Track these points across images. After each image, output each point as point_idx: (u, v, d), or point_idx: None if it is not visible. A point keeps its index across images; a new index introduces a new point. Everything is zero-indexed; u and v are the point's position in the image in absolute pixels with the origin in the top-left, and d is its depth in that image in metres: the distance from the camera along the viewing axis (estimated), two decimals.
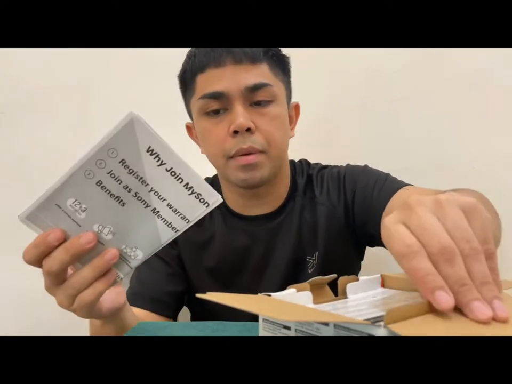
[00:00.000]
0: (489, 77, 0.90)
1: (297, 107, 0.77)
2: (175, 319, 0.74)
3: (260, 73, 0.65)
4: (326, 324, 0.30)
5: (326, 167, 0.79)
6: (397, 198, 0.64)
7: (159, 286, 0.71)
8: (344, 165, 0.78)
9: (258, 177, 0.66)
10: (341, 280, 0.41)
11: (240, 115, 0.63)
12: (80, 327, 1.49)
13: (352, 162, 0.79)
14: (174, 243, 0.73)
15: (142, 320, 0.62)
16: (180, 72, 0.73)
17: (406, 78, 1.00)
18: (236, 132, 0.64)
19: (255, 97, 0.65)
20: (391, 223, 0.30)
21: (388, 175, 0.72)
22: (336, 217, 0.72)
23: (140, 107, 1.59)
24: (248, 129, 0.63)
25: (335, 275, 0.41)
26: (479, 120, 0.92)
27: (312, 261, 0.72)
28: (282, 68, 0.71)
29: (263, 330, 0.36)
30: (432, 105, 0.98)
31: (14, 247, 1.39)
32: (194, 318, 0.84)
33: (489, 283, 0.28)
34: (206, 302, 0.35)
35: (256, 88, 0.64)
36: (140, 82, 1.57)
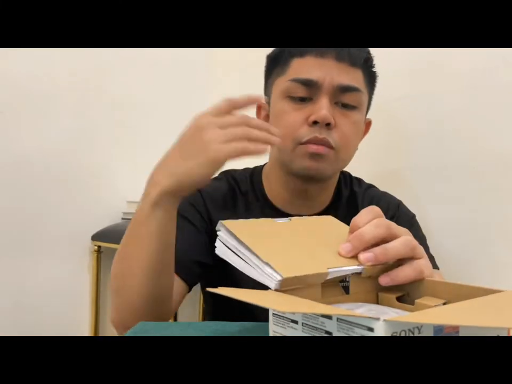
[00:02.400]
0: (489, 76, 0.90)
1: (369, 124, 0.78)
2: (190, 288, 0.69)
3: (355, 77, 0.66)
4: (330, 318, 0.31)
5: (371, 186, 0.79)
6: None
7: (190, 251, 0.68)
8: (388, 192, 0.79)
9: (321, 170, 0.66)
10: None
11: (325, 107, 0.63)
12: (80, 327, 1.49)
13: (352, 162, 0.78)
14: (209, 221, 0.71)
15: None
16: (272, 52, 0.72)
17: (406, 78, 1.00)
18: (315, 123, 0.63)
19: (342, 98, 0.65)
20: None
21: (427, 246, 0.72)
22: None
23: (140, 107, 1.59)
24: (328, 124, 0.63)
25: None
26: (479, 120, 0.92)
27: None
28: (372, 80, 0.72)
29: (273, 325, 0.37)
30: (432, 105, 0.98)
31: (14, 247, 1.40)
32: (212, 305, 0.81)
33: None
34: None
35: (348, 89, 0.65)
36: (140, 83, 1.57)
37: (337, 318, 0.31)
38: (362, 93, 0.67)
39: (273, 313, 0.37)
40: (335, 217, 0.70)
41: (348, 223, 0.71)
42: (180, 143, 0.55)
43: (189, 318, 1.44)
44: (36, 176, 1.33)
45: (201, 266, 0.69)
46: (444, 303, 0.39)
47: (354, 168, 0.80)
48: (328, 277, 0.39)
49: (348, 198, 0.75)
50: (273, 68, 0.71)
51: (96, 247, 1.43)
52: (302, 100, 0.66)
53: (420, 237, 0.72)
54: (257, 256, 0.39)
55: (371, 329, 0.28)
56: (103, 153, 1.48)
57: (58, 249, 1.38)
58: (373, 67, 0.71)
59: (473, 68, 0.92)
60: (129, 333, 0.49)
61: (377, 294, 0.43)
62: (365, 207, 0.72)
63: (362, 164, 0.81)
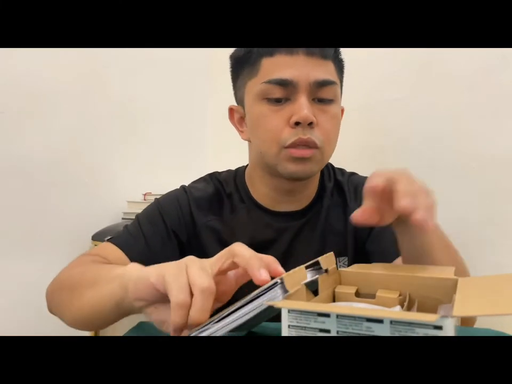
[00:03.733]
0: (489, 77, 0.90)
1: (342, 111, 0.77)
2: None
3: (328, 70, 0.65)
4: (380, 321, 0.30)
5: (354, 173, 0.79)
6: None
7: (159, 253, 0.70)
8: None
9: (307, 171, 0.66)
10: None
11: (305, 107, 0.62)
12: None
13: (352, 162, 0.79)
14: (192, 224, 0.72)
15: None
16: (237, 52, 0.70)
17: (406, 78, 1.00)
18: (297, 124, 0.63)
19: (319, 94, 0.65)
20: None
21: None
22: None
23: (140, 107, 1.59)
24: (310, 123, 0.63)
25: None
26: (479, 120, 0.92)
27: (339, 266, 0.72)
28: (341, 68, 0.71)
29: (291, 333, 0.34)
30: (432, 105, 0.98)
31: (14, 247, 1.39)
32: None
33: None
34: None
35: (324, 84, 0.64)
36: (140, 83, 1.57)
37: (391, 321, 0.29)
38: (337, 85, 0.66)
39: (289, 325, 0.33)
40: (320, 208, 0.74)
41: (332, 212, 0.74)
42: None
43: None
44: (36, 176, 1.33)
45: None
46: (399, 295, 0.41)
47: (354, 168, 0.80)
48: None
49: (332, 189, 0.76)
50: (241, 69, 0.70)
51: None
52: (279, 100, 0.64)
53: None
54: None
55: (438, 327, 0.28)
56: (103, 153, 1.48)
57: (58, 249, 1.38)
58: (341, 55, 0.70)
59: (473, 68, 0.92)
60: (129, 333, 0.49)
61: (334, 291, 0.44)
62: (351, 193, 0.75)
63: (361, 163, 0.81)
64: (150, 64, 1.56)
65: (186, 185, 0.78)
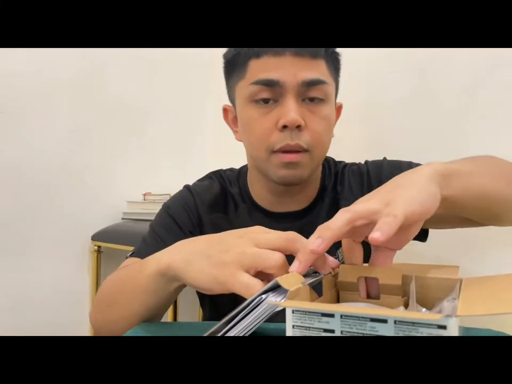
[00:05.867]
0: (489, 77, 0.90)
1: (340, 108, 0.76)
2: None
3: (318, 69, 0.64)
4: (384, 321, 0.29)
5: (346, 164, 0.78)
6: None
7: None
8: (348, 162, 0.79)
9: (298, 176, 0.65)
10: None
11: (292, 110, 0.61)
12: (80, 327, 1.48)
13: (351, 161, 0.79)
14: (198, 225, 0.73)
15: None
16: (228, 52, 0.70)
17: (406, 78, 1.00)
18: (284, 127, 0.62)
19: (309, 93, 0.63)
20: None
21: (411, 162, 0.72)
22: None
23: (140, 107, 1.59)
24: (298, 126, 0.62)
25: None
26: (479, 120, 0.92)
27: (335, 258, 0.72)
28: (336, 66, 0.70)
29: (292, 329, 0.34)
30: (432, 105, 0.98)
31: (14, 247, 1.39)
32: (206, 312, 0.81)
33: None
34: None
35: (313, 83, 0.63)
36: (140, 83, 1.57)
37: (395, 321, 0.29)
38: (328, 84, 0.65)
39: (293, 325, 0.33)
40: (321, 207, 0.73)
41: (332, 211, 0.73)
42: (215, 236, 0.48)
43: (189, 318, 1.44)
44: (36, 176, 1.33)
45: None
46: (403, 296, 0.41)
47: None
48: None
49: (332, 186, 0.75)
50: (231, 70, 0.69)
51: (96, 247, 1.43)
52: (267, 101, 0.64)
53: (404, 167, 0.70)
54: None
55: (442, 327, 0.28)
56: (103, 153, 1.48)
57: (58, 249, 1.38)
58: (335, 51, 0.69)
59: (473, 67, 0.92)
60: (129, 333, 0.49)
61: (338, 292, 0.44)
62: (342, 185, 0.74)
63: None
64: (150, 64, 1.56)
65: (191, 184, 0.78)
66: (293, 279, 0.38)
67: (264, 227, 0.46)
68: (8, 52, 1.23)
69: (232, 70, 0.69)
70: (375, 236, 0.36)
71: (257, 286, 0.40)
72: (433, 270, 0.43)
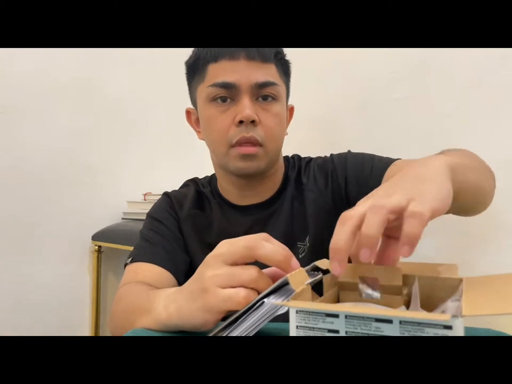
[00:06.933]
0: (489, 77, 0.90)
1: (292, 109, 0.83)
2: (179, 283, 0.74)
3: (269, 72, 0.71)
4: (389, 321, 0.29)
5: (312, 159, 0.84)
6: (389, 174, 0.70)
7: (173, 253, 0.75)
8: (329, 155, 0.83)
9: (254, 168, 0.71)
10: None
11: (247, 107, 0.68)
12: (80, 327, 1.48)
13: None
14: (175, 219, 0.79)
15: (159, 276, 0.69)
16: (189, 58, 0.76)
17: (406, 78, 1.00)
18: (241, 122, 0.68)
19: (262, 92, 0.70)
20: None
21: (374, 155, 0.78)
22: (324, 201, 0.76)
23: (140, 107, 1.59)
24: (253, 121, 0.68)
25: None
26: (479, 120, 0.92)
27: (303, 246, 0.76)
28: (286, 71, 0.77)
29: (296, 330, 0.34)
30: (432, 105, 0.98)
31: (15, 247, 1.39)
32: None
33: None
34: None
35: (264, 85, 0.70)
36: (140, 82, 1.57)
37: (400, 321, 0.29)
38: (278, 85, 0.72)
39: (297, 325, 0.33)
40: (284, 197, 0.79)
41: (296, 201, 0.78)
42: (193, 276, 0.47)
43: None
44: (36, 176, 1.33)
45: (186, 264, 0.76)
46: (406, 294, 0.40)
47: None
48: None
49: (295, 178, 0.80)
50: (192, 75, 0.76)
51: (96, 247, 1.43)
52: (225, 100, 0.70)
53: (367, 159, 0.76)
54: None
55: (448, 327, 0.28)
56: (104, 153, 1.48)
57: (58, 249, 1.38)
58: (284, 57, 0.75)
59: (473, 68, 0.92)
60: (129, 333, 0.49)
61: (338, 291, 0.44)
62: (307, 177, 0.79)
63: None
64: (150, 64, 1.56)
65: (169, 191, 0.85)
66: (299, 278, 0.39)
67: (229, 239, 0.44)
68: (8, 52, 1.23)
69: (193, 74, 0.75)
70: (404, 250, 0.35)
71: (240, 292, 0.40)
72: (432, 269, 0.43)
